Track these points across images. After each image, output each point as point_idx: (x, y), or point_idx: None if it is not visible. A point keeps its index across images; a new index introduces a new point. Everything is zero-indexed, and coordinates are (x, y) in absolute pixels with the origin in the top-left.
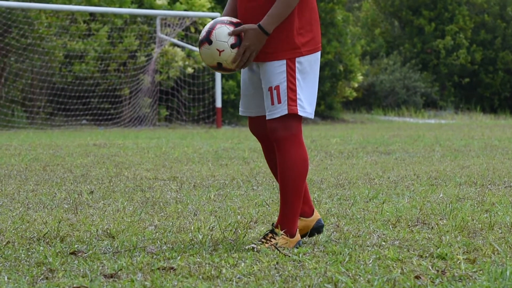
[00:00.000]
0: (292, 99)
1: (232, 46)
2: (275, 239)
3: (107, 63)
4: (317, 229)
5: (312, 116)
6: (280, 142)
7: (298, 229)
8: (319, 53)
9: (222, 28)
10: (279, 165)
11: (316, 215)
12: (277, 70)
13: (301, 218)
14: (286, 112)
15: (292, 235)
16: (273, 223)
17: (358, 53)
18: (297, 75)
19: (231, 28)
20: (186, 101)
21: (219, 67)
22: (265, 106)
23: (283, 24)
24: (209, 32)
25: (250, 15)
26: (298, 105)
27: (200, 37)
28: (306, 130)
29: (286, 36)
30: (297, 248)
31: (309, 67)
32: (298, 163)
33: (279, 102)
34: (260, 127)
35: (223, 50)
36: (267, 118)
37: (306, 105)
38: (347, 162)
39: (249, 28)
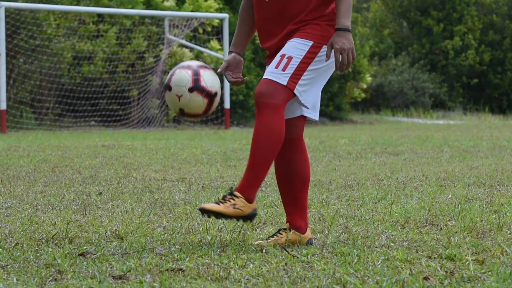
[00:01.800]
0: (296, 76)
1: (190, 90)
2: (234, 200)
3: (116, 64)
4: (252, 217)
5: (313, 115)
6: (261, 108)
7: (255, 198)
8: None
9: (181, 73)
10: (255, 129)
11: (309, 234)
12: (299, 46)
13: (295, 232)
14: (284, 83)
15: (250, 201)
16: (231, 186)
17: (366, 54)
18: (314, 61)
19: (189, 72)
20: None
21: (182, 113)
22: (268, 67)
23: (323, 13)
24: (169, 79)
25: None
26: (298, 85)
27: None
28: (315, 130)
29: (323, 24)
30: (254, 215)
31: (329, 60)
32: (275, 132)
33: (283, 70)
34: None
35: (181, 95)
36: (263, 77)
37: (305, 91)
38: (356, 163)
39: (332, 38)
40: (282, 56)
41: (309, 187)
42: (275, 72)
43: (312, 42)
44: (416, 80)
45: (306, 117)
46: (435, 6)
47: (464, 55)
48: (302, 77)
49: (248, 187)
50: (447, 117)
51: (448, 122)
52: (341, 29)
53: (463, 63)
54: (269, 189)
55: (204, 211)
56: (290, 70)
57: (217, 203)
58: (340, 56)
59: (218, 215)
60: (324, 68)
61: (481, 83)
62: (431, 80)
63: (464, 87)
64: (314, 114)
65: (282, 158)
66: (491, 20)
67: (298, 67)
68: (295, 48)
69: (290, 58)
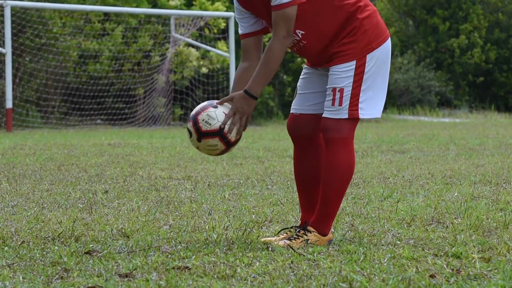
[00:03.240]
0: (353, 103)
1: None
2: (306, 235)
3: (122, 63)
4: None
5: (379, 115)
6: (330, 143)
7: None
8: (389, 41)
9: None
10: (325, 165)
11: (330, 235)
12: (345, 73)
13: (315, 233)
14: (346, 116)
15: (324, 235)
16: (306, 221)
17: None
18: (366, 76)
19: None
20: (200, 101)
21: (220, 133)
22: (324, 104)
23: (346, 30)
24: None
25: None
26: (359, 109)
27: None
28: None
29: (353, 40)
30: (329, 244)
31: (381, 61)
32: (343, 167)
33: (340, 104)
34: (304, 126)
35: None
36: (323, 115)
37: (370, 107)
38: (362, 161)
39: (236, 94)
40: (334, 90)
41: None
42: (333, 110)
43: (355, 60)
44: (422, 79)
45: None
46: (440, 5)
47: (470, 54)
48: (360, 99)
49: (322, 221)
50: (453, 115)
51: (454, 120)
52: (249, 93)
53: (469, 62)
54: (275, 187)
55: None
56: (346, 101)
57: (289, 239)
58: (233, 116)
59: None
60: (381, 69)
61: (487, 82)
62: (437, 78)
63: (470, 86)
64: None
65: (305, 159)
66: (497, 19)
67: (353, 94)
68: (342, 77)
69: (342, 90)
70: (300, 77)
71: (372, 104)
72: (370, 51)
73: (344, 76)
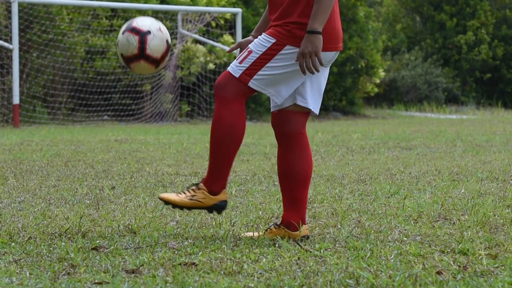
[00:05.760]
0: (252, 70)
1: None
2: (194, 191)
3: None
4: (217, 208)
5: (278, 101)
6: (215, 100)
7: (223, 191)
8: (333, 53)
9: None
10: (211, 124)
11: (305, 231)
12: (262, 42)
13: (285, 228)
14: (237, 75)
15: (213, 193)
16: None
17: (379, 49)
18: (276, 58)
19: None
20: (207, 97)
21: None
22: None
23: (294, 13)
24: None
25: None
26: (253, 79)
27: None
28: (328, 125)
29: (292, 27)
30: (219, 208)
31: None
32: (223, 126)
33: (240, 63)
34: (284, 122)
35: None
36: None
37: (270, 86)
38: (369, 157)
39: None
40: (246, 49)
41: (322, 182)
42: (233, 65)
43: (275, 40)
44: (429, 75)
45: (305, 112)
46: (448, 1)
47: (477, 50)
48: (260, 72)
49: (210, 180)
50: (460, 111)
51: (461, 117)
52: (308, 31)
53: (476, 58)
54: None
55: (162, 201)
56: (246, 63)
57: (177, 193)
58: (303, 60)
59: (175, 206)
60: (293, 66)
61: (494, 78)
62: (444, 74)
63: (477, 82)
64: (313, 107)
65: (280, 155)
66: (504, 15)
67: (255, 62)
68: (258, 43)
69: (250, 52)
70: None
71: (266, 83)
72: (293, 44)
73: (259, 43)
